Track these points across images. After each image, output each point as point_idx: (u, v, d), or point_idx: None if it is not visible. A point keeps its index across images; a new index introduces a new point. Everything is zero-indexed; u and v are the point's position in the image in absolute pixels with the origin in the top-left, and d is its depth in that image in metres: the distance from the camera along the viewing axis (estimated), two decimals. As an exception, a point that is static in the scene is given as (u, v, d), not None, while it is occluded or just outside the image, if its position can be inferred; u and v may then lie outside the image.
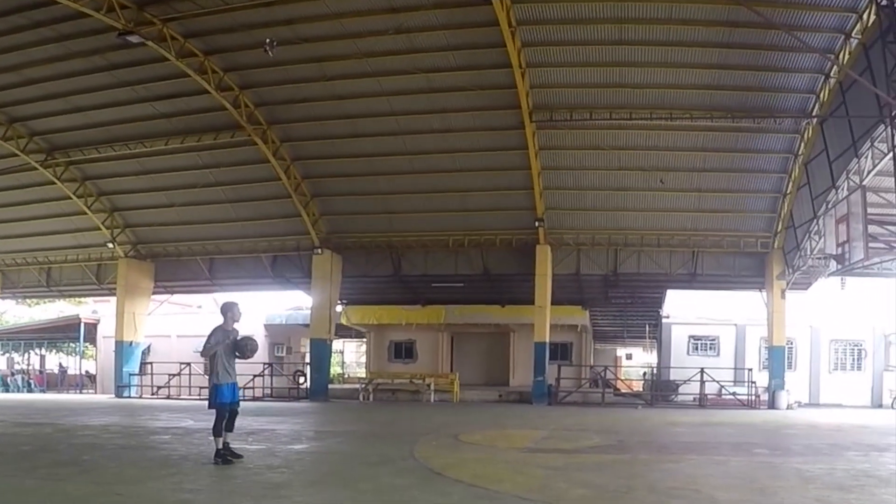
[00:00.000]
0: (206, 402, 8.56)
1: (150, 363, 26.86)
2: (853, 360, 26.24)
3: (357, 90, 20.06)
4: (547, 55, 18.35)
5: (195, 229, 25.94)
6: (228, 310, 8.57)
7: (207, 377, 8.57)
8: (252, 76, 20.12)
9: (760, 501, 6.60)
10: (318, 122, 21.51)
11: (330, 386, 26.31)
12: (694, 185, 21.63)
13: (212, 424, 8.39)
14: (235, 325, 8.55)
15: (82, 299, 37.37)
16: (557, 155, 21.20)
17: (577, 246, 23.54)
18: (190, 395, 25.44)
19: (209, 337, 8.38)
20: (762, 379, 23.38)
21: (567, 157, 21.37)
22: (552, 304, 23.35)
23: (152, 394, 26.11)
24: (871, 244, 14.85)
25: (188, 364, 25.68)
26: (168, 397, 25.47)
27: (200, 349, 8.56)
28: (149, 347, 27.62)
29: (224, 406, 8.32)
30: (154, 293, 28.35)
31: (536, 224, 22.44)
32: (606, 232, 23.27)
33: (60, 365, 37.43)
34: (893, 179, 14.51)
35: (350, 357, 48.07)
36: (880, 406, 24.35)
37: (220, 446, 8.27)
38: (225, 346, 8.33)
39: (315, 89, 20.24)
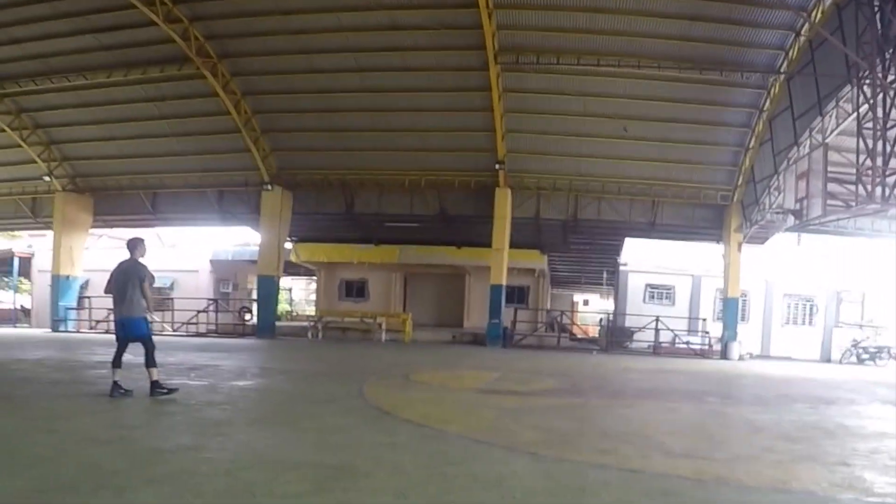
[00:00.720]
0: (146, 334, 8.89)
1: (89, 297, 26.25)
2: (805, 315, 27.28)
3: (314, 25, 19.80)
4: None
5: (137, 163, 25.57)
6: (137, 246, 8.92)
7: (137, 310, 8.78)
8: (203, 8, 19.65)
9: (710, 449, 6.96)
10: (273, 56, 21.20)
11: (278, 323, 26.58)
12: (658, 135, 22.07)
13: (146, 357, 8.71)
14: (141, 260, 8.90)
15: (16, 233, 36.36)
16: (521, 98, 21.32)
17: (538, 190, 23.90)
18: None
19: (145, 270, 8.73)
20: (716, 329, 24.32)
21: (531, 100, 21.50)
22: (510, 247, 23.77)
23: (90, 328, 26.03)
24: (829, 202, 15.20)
25: None
26: (107, 332, 25.00)
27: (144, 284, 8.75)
28: (87, 282, 26.98)
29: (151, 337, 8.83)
30: (93, 227, 28.02)
31: (497, 166, 22.67)
32: (567, 177, 23.65)
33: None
34: (856, 139, 14.69)
35: (299, 295, 47.98)
36: (829, 361, 25.40)
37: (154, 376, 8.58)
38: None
39: (270, 23, 19.93)
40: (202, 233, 35.05)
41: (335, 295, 32.68)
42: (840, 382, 15.95)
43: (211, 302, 26.97)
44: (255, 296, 27.47)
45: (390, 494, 4.63)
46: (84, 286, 27.54)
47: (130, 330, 8.69)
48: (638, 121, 21.51)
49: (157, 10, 18.69)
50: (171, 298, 28.67)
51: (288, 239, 27.67)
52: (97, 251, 28.76)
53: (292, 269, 34.13)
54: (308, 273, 37.54)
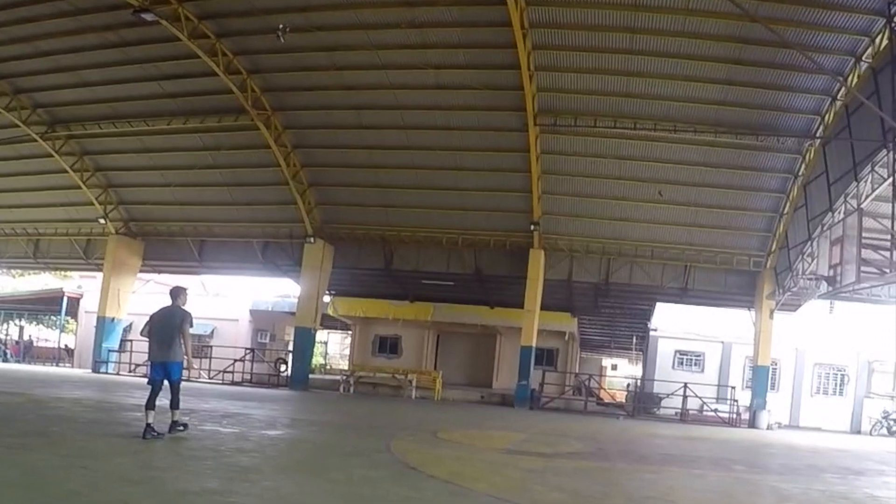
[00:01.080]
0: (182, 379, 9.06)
1: (131, 341, 26.61)
2: (835, 384, 26.32)
3: (365, 81, 20.02)
4: (556, 59, 18.34)
5: (188, 210, 25.81)
6: (179, 294, 9.06)
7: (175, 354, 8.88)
8: (261, 61, 20.06)
9: (736, 517, 6.54)
10: (324, 110, 21.47)
11: (311, 376, 26.25)
12: (692, 199, 21.66)
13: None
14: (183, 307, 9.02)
15: (68, 273, 37.10)
16: (558, 160, 21.19)
17: (571, 252, 23.51)
18: None
19: (188, 318, 8.85)
20: (745, 398, 23.45)
21: (568, 162, 21.36)
22: (541, 309, 23.33)
23: (130, 371, 25.84)
24: (863, 268, 14.88)
25: None
26: (146, 376, 25.09)
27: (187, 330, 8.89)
28: (130, 325, 27.40)
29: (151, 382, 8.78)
30: (141, 271, 28.17)
31: (532, 227, 22.42)
32: (601, 241, 23.27)
33: (22, 335, 36.97)
34: (891, 205, 14.51)
35: (334, 349, 47.94)
36: (859, 432, 24.42)
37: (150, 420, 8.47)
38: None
39: (323, 78, 20.21)
40: (245, 283, 35.46)
41: (369, 350, 32.36)
42: (870, 453, 15.25)
43: (248, 351, 26.75)
44: (290, 347, 27.48)
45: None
46: (127, 329, 27.82)
47: (168, 374, 8.77)
48: (672, 185, 21.18)
49: (219, 60, 19.05)
50: (210, 346, 28.51)
51: (327, 292, 27.44)
52: (142, 295, 29.20)
53: (329, 323, 34.09)
54: (344, 327, 37.37)
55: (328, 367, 40.49)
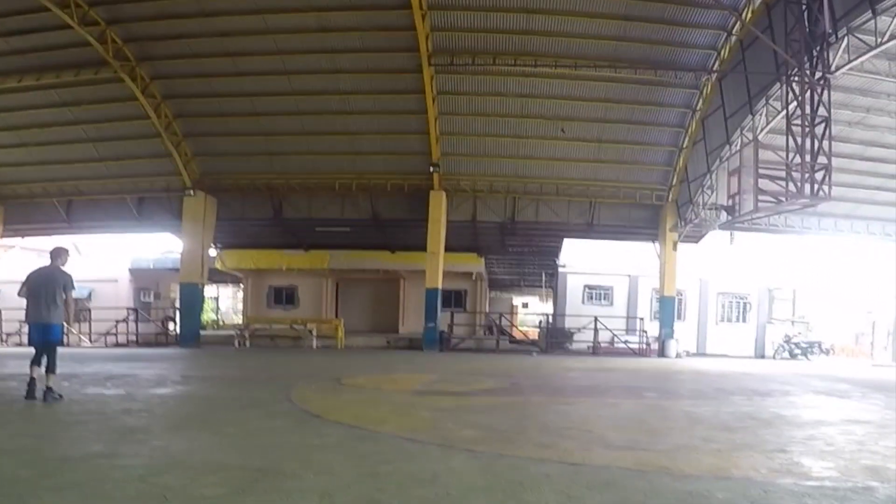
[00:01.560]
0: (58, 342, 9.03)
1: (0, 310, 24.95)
2: (739, 312, 28.12)
3: (240, 27, 19.46)
4: None
5: (51, 170, 24.64)
6: (59, 255, 9.08)
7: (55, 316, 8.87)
8: (121, 10, 19.08)
9: (650, 441, 7.06)
10: (196, 59, 20.70)
11: (203, 332, 25.99)
12: (594, 135, 22.42)
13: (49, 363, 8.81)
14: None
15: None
16: (456, 100, 21.37)
17: (474, 193, 23.94)
18: None
19: (62, 278, 8.87)
20: (653, 328, 24.73)
21: (466, 102, 21.56)
22: (446, 251, 23.80)
23: (2, 341, 24.95)
24: (760, 198, 15.69)
25: None
26: (19, 344, 23.89)
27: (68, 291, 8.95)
28: (-3, 293, 25.66)
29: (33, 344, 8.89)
30: (3, 236, 26.84)
31: (431, 169, 22.67)
32: (505, 179, 23.80)
33: None
34: (785, 136, 15.24)
35: (226, 304, 46.79)
36: (763, 357, 26.27)
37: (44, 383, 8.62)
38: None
39: (193, 25, 19.47)
40: (123, 241, 33.83)
41: (263, 302, 32.09)
42: (774, 376, 16.52)
43: (131, 311, 26.11)
44: (178, 304, 26.65)
45: (316, 495, 4.46)
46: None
47: (47, 335, 8.75)
48: (575, 121, 21.80)
49: (73, 12, 18.03)
50: (89, 309, 27.69)
51: (213, 246, 27.03)
52: (7, 262, 27.47)
53: (218, 278, 33.43)
54: (235, 281, 36.74)
55: (221, 322, 39.48)
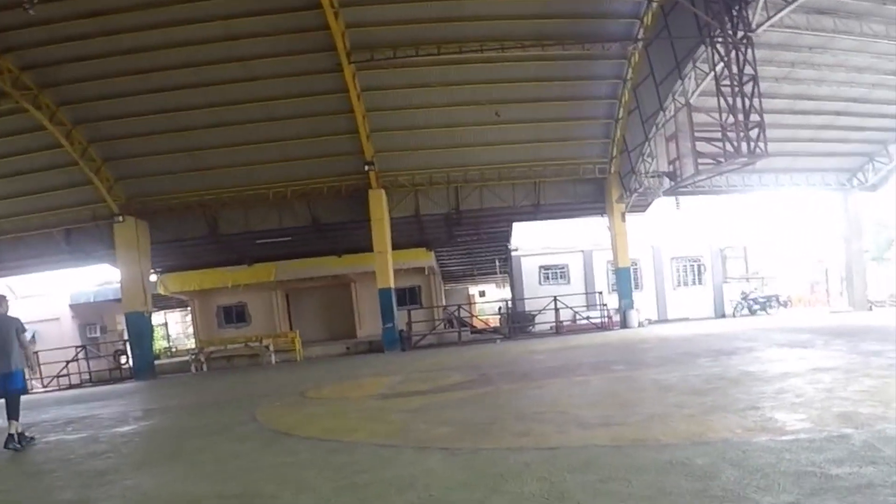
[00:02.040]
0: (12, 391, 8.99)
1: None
2: (694, 275, 28.79)
3: (146, 43, 18.85)
4: None
5: None
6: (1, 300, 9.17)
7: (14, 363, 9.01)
8: (12, 38, 18.25)
9: (624, 414, 7.21)
10: (102, 80, 19.95)
11: (157, 362, 25.49)
12: (530, 116, 22.55)
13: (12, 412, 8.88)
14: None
15: None
16: (383, 95, 21.24)
17: (414, 187, 23.92)
18: None
19: (12, 325, 8.99)
20: (612, 301, 25.18)
21: (394, 96, 21.44)
22: (394, 248, 23.71)
23: None
24: (699, 160, 16.10)
25: None
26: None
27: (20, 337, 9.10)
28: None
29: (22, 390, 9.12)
30: None
31: (366, 168, 22.57)
32: (444, 170, 23.80)
33: None
34: (716, 97, 15.64)
35: (175, 329, 45.87)
36: (723, 316, 27.00)
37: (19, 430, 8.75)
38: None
39: (94, 46, 18.76)
40: (58, 277, 32.73)
41: (214, 323, 31.54)
42: (737, 334, 17.00)
43: (79, 349, 25.34)
44: (126, 336, 26.00)
45: (299, 514, 4.43)
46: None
47: (10, 384, 8.82)
48: (509, 104, 21.84)
49: None
50: (36, 353, 26.78)
51: (152, 271, 26.46)
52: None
53: (163, 303, 32.78)
54: (181, 305, 36.03)
55: (174, 349, 38.70)
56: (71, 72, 19.56)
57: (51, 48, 18.71)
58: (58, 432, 10.17)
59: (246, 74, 20.04)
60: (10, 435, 8.56)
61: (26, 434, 8.93)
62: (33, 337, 28.11)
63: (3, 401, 8.92)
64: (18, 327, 8.96)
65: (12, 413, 8.67)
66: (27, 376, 9.11)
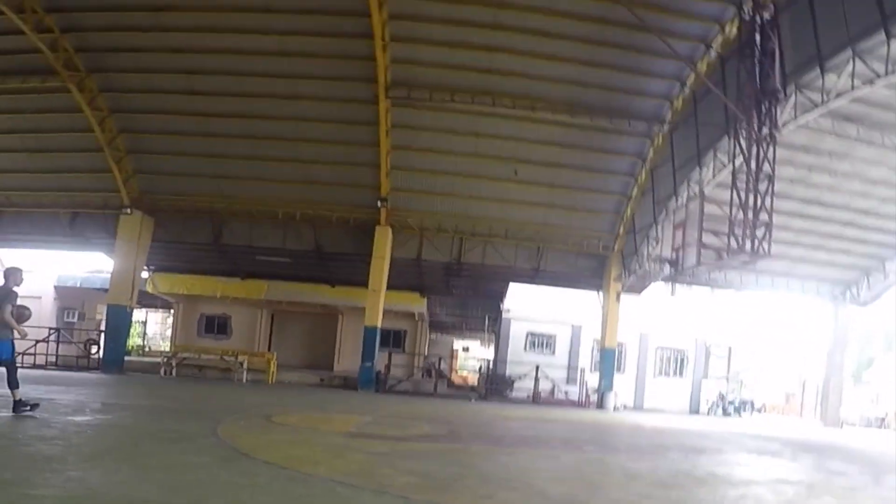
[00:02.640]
0: None
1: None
2: (676, 366, 28.61)
3: (197, 45, 19.28)
4: (413, 30, 18.43)
5: None
6: (16, 274, 9.70)
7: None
8: (77, 19, 18.70)
9: (588, 495, 6.98)
10: (148, 73, 20.40)
11: (127, 358, 25.17)
12: (546, 179, 22.65)
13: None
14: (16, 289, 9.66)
15: None
16: (410, 135, 21.38)
17: (421, 230, 23.92)
18: None
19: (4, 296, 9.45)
20: (593, 379, 24.94)
21: (420, 138, 21.59)
22: (389, 288, 23.60)
23: None
24: (703, 251, 16.08)
25: None
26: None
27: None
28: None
29: (13, 360, 9.72)
30: None
31: (379, 204, 22.57)
32: (454, 219, 23.81)
33: None
34: (730, 191, 15.76)
35: (153, 329, 45.44)
36: (697, 412, 26.69)
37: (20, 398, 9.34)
38: (13, 305, 9.50)
39: (147, 39, 19.14)
40: (50, 257, 32.61)
41: (194, 330, 31.26)
42: (708, 433, 16.87)
43: (53, 331, 25.09)
44: (103, 327, 25.73)
45: (244, 538, 4.27)
46: None
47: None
48: (528, 164, 21.96)
49: (28, 18, 17.56)
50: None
51: (145, 268, 26.35)
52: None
53: (147, 301, 32.47)
54: (165, 306, 35.75)
55: (147, 349, 38.29)
56: (119, 61, 19.94)
57: (106, 35, 19.13)
58: (8, 410, 9.92)
59: (288, 91, 20.29)
60: (19, 401, 9.23)
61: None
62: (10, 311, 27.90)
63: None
64: (8, 299, 9.34)
65: (13, 382, 9.33)
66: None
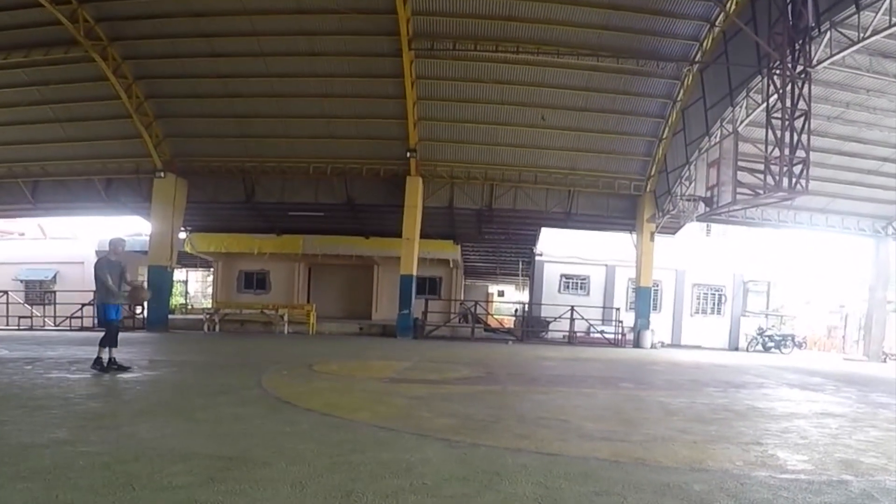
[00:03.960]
0: (94, 321, 10.63)
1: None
2: (713, 304, 28.37)
3: (215, 7, 19.21)
4: None
5: (16, 150, 24.10)
6: (117, 244, 10.84)
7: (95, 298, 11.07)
8: None
9: (626, 431, 7.08)
10: (170, 39, 20.37)
11: (171, 316, 25.73)
12: (574, 124, 22.40)
13: (99, 338, 10.46)
14: (115, 258, 10.64)
15: None
16: (436, 85, 21.24)
17: (451, 179, 23.87)
18: (8, 324, 24.04)
19: (102, 266, 10.43)
20: (629, 319, 24.87)
21: (446, 87, 21.41)
22: (422, 237, 23.77)
23: None
24: (738, 190, 15.80)
25: (6, 292, 24.81)
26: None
27: (100, 276, 10.36)
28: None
29: (112, 323, 10.40)
30: None
31: (408, 155, 22.59)
32: (483, 166, 23.73)
33: None
34: (765, 129, 15.36)
35: (195, 288, 46.36)
36: (737, 349, 26.58)
37: (106, 357, 10.23)
38: (113, 274, 10.38)
39: (167, 5, 19.18)
40: (91, 223, 33.43)
41: (234, 286, 31.89)
42: (748, 368, 16.76)
43: (96, 293, 25.62)
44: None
45: (287, 485, 4.42)
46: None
47: (101, 313, 10.58)
48: (555, 109, 21.76)
49: None
50: (53, 291, 27.51)
51: (182, 229, 26.80)
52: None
53: (188, 261, 33.09)
54: (205, 264, 36.39)
55: (190, 307, 39.12)
56: (140, 28, 19.95)
57: (125, 3, 19.08)
58: (61, 370, 10.30)
59: (308, 49, 20.24)
60: (98, 358, 10.17)
61: (115, 360, 10.33)
62: (54, 277, 28.72)
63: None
64: (100, 266, 10.37)
65: (103, 340, 10.28)
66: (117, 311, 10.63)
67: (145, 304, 23.49)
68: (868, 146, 22.31)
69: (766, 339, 26.12)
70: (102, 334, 10.38)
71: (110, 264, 10.45)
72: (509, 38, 19.25)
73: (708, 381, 12.74)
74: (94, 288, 11.15)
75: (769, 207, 23.19)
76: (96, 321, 10.45)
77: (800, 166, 15.13)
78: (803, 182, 15.21)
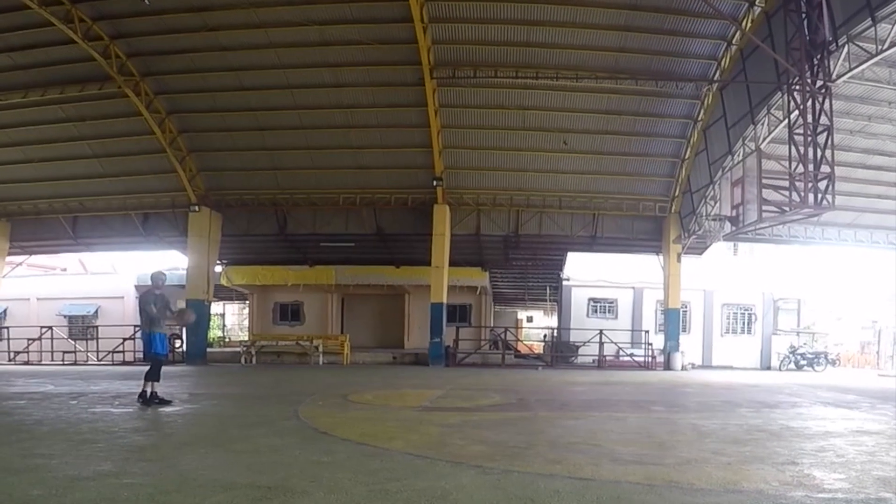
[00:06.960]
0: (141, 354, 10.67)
1: (7, 328, 25.12)
2: (744, 323, 27.96)
3: (242, 42, 19.65)
4: (451, 10, 18.42)
5: (56, 186, 24.76)
6: (158, 279, 11.08)
7: (141, 331, 11.08)
8: (125, 25, 19.33)
9: (659, 454, 6.94)
10: (199, 74, 20.91)
11: (209, 350, 26.00)
12: (596, 147, 22.48)
13: (145, 372, 10.57)
14: (158, 291, 10.92)
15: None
16: (459, 113, 21.49)
17: (478, 206, 23.98)
18: (52, 360, 24.41)
19: (146, 298, 10.77)
20: (658, 341, 24.64)
21: (469, 115, 21.67)
22: (451, 265, 23.82)
23: (9, 360, 25.10)
24: (763, 208, 15.64)
25: (50, 328, 25.08)
26: (27, 363, 24.24)
27: (145, 308, 10.68)
28: (4, 311, 25.75)
29: (158, 356, 10.61)
30: (10, 254, 26.87)
31: (434, 183, 22.73)
32: (508, 192, 23.84)
33: None
34: (787, 145, 15.25)
35: (231, 320, 46.80)
36: (769, 368, 26.13)
37: (150, 390, 10.35)
38: (158, 305, 10.72)
39: (196, 40, 19.61)
40: (128, 257, 33.99)
41: (269, 318, 32.11)
42: (781, 387, 16.43)
43: (137, 328, 25.96)
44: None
45: (328, 513, 4.42)
46: (1, 316, 26.33)
47: (148, 346, 10.78)
48: (577, 133, 21.88)
49: (76, 27, 18.24)
50: (96, 326, 27.88)
51: (218, 262, 27.15)
52: (14, 279, 27.54)
53: (224, 294, 33.43)
54: (241, 297, 36.77)
55: (227, 339, 39.48)
56: (171, 63, 20.47)
57: (156, 38, 19.65)
58: (105, 404, 10.48)
59: (333, 80, 20.63)
60: (143, 392, 10.27)
61: (157, 395, 10.39)
62: (95, 311, 29.11)
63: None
64: (144, 299, 10.70)
65: (148, 374, 10.38)
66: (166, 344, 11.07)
67: (185, 330, 23.91)
68: (892, 158, 22.06)
69: (799, 357, 25.66)
70: (148, 368, 10.55)
71: (155, 297, 10.77)
72: (528, 64, 19.46)
73: (740, 401, 12.51)
74: (136, 322, 11.39)
75: (796, 224, 22.90)
76: (143, 355, 10.50)
77: (825, 181, 14.98)
78: (829, 197, 15.04)
